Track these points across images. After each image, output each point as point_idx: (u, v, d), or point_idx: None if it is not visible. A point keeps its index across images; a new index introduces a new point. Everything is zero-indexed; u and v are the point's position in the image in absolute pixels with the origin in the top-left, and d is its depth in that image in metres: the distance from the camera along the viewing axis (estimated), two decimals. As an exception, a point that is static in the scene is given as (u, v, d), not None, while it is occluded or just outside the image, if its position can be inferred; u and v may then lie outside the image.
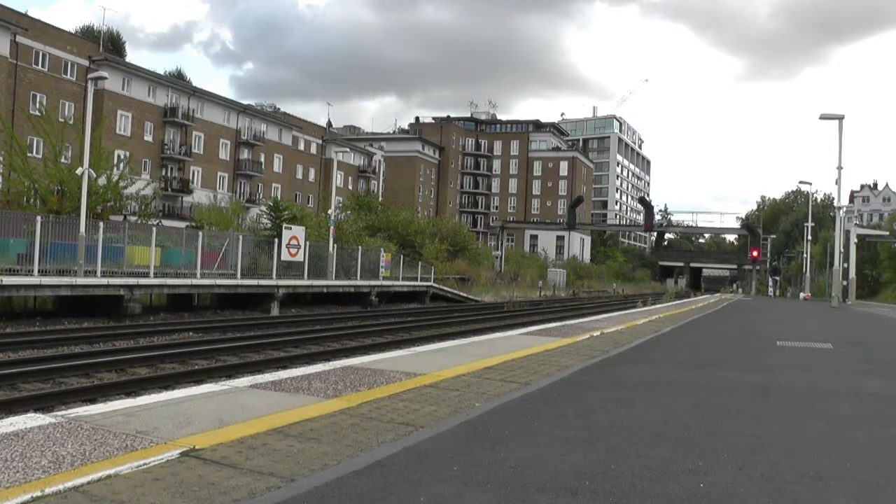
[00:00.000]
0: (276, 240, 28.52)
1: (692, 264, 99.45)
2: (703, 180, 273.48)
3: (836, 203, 43.01)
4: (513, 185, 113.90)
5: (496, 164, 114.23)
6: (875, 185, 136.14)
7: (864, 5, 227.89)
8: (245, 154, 66.03)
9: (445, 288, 39.51)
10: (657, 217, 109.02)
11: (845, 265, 43.67)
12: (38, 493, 3.03)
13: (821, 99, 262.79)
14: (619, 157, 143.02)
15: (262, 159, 67.10)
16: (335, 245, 31.85)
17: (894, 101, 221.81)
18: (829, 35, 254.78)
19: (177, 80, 64.35)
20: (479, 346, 10.16)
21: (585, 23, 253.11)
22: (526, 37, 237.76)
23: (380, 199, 71.47)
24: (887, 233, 60.55)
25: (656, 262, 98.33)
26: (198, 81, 71.35)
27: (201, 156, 60.66)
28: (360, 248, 34.35)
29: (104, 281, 20.34)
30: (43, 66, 47.28)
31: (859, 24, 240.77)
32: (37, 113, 34.80)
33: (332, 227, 32.46)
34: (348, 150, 73.21)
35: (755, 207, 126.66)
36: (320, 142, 77.69)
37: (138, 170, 43.86)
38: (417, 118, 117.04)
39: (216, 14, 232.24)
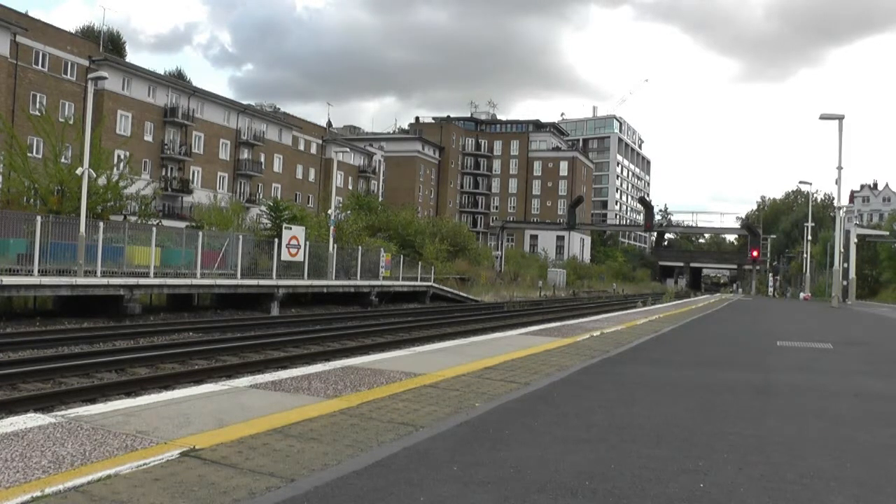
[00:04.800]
0: (276, 240, 28.51)
1: (692, 264, 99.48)
2: (703, 180, 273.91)
3: (836, 203, 43.04)
4: (513, 185, 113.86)
5: (496, 164, 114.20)
6: (875, 185, 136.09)
7: (857, 7, 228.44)
8: (245, 154, 66.02)
9: (445, 288, 39.51)
10: (657, 217, 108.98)
11: (845, 265, 43.69)
12: (38, 493, 3.02)
13: (817, 100, 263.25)
14: (619, 157, 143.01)
15: (262, 159, 67.09)
16: (335, 245, 31.85)
17: (892, 102, 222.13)
18: (824, 37, 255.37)
19: (177, 80, 64.35)
20: (479, 346, 10.16)
21: (582, 24, 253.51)
22: (523, 38, 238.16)
23: (380, 199, 71.49)
24: (887, 233, 60.54)
25: (656, 262, 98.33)
26: (197, 83, 71.38)
27: (201, 156, 60.65)
28: (360, 248, 34.35)
29: (104, 281, 20.33)
30: (43, 66, 47.27)
31: (853, 26, 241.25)
32: (37, 113, 34.79)
33: (332, 227, 32.46)
34: (348, 150, 73.21)
35: (755, 207, 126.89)
36: (320, 142, 77.68)
37: (138, 170, 43.84)
38: (417, 118, 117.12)
39: (215, 16, 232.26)
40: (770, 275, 76.27)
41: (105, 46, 58.04)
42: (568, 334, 12.27)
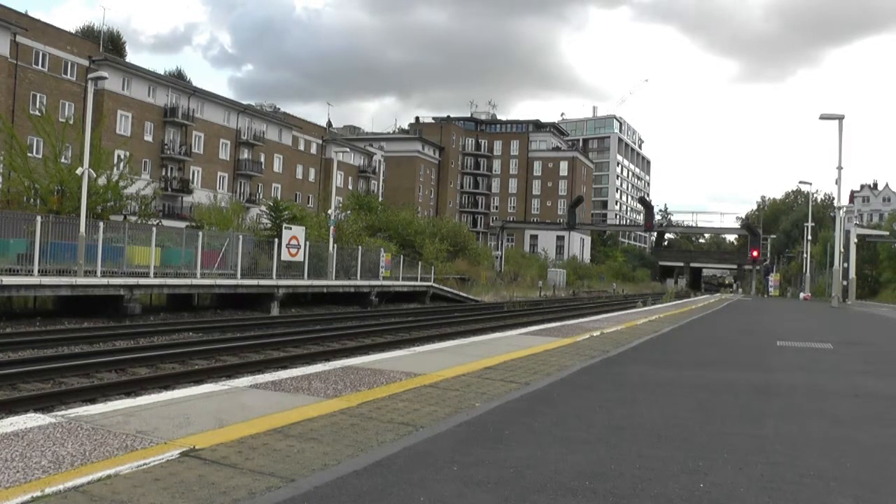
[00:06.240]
0: (276, 240, 28.51)
1: (692, 264, 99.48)
2: (703, 180, 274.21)
3: (836, 203, 43.06)
4: (513, 185, 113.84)
5: (496, 164, 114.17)
6: (875, 185, 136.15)
7: (855, 7, 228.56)
8: (245, 154, 66.02)
9: (445, 288, 39.50)
10: (657, 217, 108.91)
11: (845, 265, 43.66)
12: (38, 493, 3.02)
13: (816, 100, 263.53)
14: (619, 157, 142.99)
15: (262, 159, 67.09)
16: (335, 245, 31.84)
17: (892, 102, 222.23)
18: (822, 37, 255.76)
19: (177, 80, 64.33)
20: (479, 346, 10.15)
21: (581, 25, 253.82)
22: (522, 39, 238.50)
23: (380, 199, 71.44)
24: (887, 233, 60.52)
25: (656, 262, 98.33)
26: (197, 83, 71.16)
27: (201, 156, 60.64)
28: (360, 248, 34.34)
29: (104, 281, 20.33)
30: (43, 66, 47.26)
31: (852, 26, 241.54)
32: (37, 113, 34.79)
33: (332, 227, 32.46)
34: (348, 150, 73.16)
35: (755, 207, 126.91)
36: (320, 142, 77.67)
37: (138, 170, 43.83)
38: (417, 118, 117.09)
39: (215, 17, 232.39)
40: (762, 275, 76.61)
41: (105, 46, 58.02)
42: (568, 334, 12.26)
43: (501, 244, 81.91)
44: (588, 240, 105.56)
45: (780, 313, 26.97)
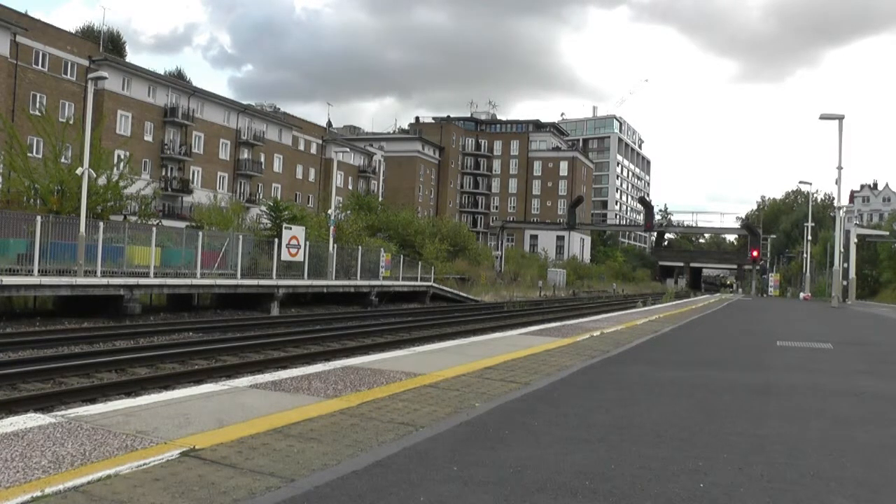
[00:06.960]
0: (276, 240, 28.51)
1: (692, 264, 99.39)
2: (703, 180, 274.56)
3: (836, 203, 43.03)
4: (513, 185, 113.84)
5: (496, 164, 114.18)
6: (875, 185, 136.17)
7: (854, 8, 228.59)
8: (245, 154, 66.01)
9: (445, 288, 39.50)
10: (657, 217, 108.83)
11: (845, 265, 43.65)
12: (38, 493, 3.02)
13: (815, 100, 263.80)
14: (619, 157, 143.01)
15: (262, 159, 67.07)
16: (335, 245, 31.85)
17: (891, 102, 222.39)
18: (821, 37, 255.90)
19: (177, 80, 64.34)
20: (479, 346, 10.15)
21: (580, 25, 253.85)
22: (522, 39, 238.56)
23: (380, 199, 71.46)
24: (887, 233, 60.52)
25: (656, 262, 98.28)
26: (197, 83, 70.91)
27: (201, 156, 60.64)
28: (360, 248, 34.35)
29: (104, 281, 20.33)
30: (43, 66, 47.26)
31: (850, 27, 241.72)
32: (37, 113, 34.76)
33: (332, 227, 32.46)
34: (348, 150, 73.17)
35: (755, 207, 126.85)
36: (320, 142, 77.66)
37: (138, 170, 43.78)
38: (417, 118, 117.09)
39: (215, 17, 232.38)
40: (760, 275, 76.81)
41: (105, 46, 58.02)
42: (568, 334, 12.26)
43: (501, 244, 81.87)
44: (588, 240, 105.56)
45: (780, 313, 26.96)
